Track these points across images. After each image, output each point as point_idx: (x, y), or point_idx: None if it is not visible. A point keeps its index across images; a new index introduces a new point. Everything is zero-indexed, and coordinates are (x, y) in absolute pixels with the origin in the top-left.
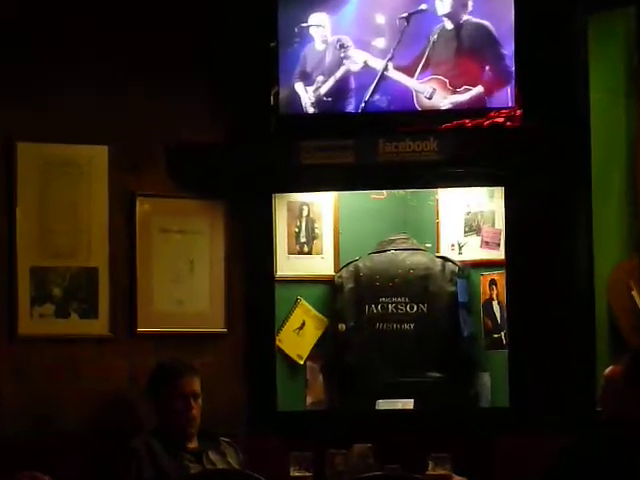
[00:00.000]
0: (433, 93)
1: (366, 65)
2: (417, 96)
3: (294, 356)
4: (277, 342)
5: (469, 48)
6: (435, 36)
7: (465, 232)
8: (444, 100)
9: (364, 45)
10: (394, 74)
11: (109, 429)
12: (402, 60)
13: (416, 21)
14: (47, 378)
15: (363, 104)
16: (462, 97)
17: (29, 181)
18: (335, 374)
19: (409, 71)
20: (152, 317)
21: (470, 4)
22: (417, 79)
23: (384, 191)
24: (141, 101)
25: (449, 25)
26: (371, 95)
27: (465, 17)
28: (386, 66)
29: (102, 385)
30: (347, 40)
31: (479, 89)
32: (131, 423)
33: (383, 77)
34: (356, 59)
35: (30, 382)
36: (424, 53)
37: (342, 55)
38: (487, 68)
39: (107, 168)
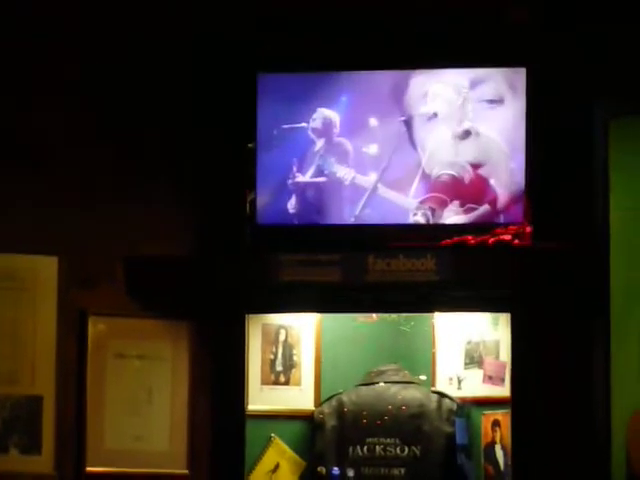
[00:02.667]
0: (431, 215)
1: (353, 182)
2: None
3: None
4: None
5: (473, 161)
6: (434, 145)
7: (465, 364)
8: (446, 211)
9: (354, 152)
10: (386, 193)
11: None
12: (395, 174)
13: (415, 127)
14: None
15: (352, 217)
16: (465, 217)
17: None
18: None
19: (403, 188)
20: (103, 455)
21: (472, 110)
22: (412, 197)
23: (373, 315)
24: (97, 207)
25: (449, 133)
26: (361, 209)
27: (467, 125)
28: (376, 184)
29: None
30: (336, 147)
31: (485, 208)
32: None
33: (373, 194)
34: (344, 174)
35: None
36: (420, 166)
37: (330, 163)
38: (494, 182)
39: (56, 282)
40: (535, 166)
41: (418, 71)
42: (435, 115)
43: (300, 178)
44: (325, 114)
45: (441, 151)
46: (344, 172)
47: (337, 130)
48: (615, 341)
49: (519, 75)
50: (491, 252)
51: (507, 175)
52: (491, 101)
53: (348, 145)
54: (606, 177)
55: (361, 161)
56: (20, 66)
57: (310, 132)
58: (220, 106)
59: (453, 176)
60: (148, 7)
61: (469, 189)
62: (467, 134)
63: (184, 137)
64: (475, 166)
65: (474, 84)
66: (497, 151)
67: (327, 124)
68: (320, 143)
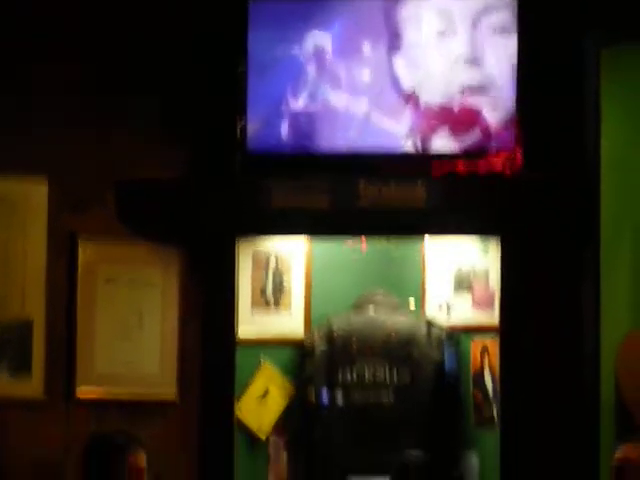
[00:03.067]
0: (423, 142)
1: (347, 109)
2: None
3: (255, 429)
4: (236, 412)
5: (465, 88)
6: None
7: (455, 291)
8: (437, 137)
9: (347, 79)
10: (378, 120)
11: None
12: (387, 101)
13: (406, 53)
14: None
15: (343, 144)
16: (457, 144)
17: None
18: (302, 451)
19: (395, 115)
20: (93, 380)
21: (465, 39)
22: (404, 124)
23: (363, 241)
24: (86, 131)
25: (441, 60)
26: (353, 136)
27: (458, 52)
28: (369, 111)
29: (32, 456)
30: (329, 73)
31: (476, 134)
32: None
33: (366, 121)
34: (336, 100)
35: None
36: (412, 93)
37: (322, 89)
38: (485, 109)
39: (46, 206)
40: (527, 94)
41: None
42: (427, 41)
43: (292, 104)
44: (317, 40)
45: (433, 78)
46: (336, 98)
47: (329, 56)
48: (605, 269)
49: (512, 5)
50: (481, 180)
51: (499, 102)
52: (488, 29)
53: (340, 71)
54: (597, 106)
55: (353, 87)
56: None
57: (302, 58)
58: (211, 32)
59: (445, 103)
60: None
61: (460, 116)
62: (458, 61)
63: (176, 61)
64: (467, 93)
65: (464, 11)
66: (489, 78)
67: (319, 50)
68: (312, 69)
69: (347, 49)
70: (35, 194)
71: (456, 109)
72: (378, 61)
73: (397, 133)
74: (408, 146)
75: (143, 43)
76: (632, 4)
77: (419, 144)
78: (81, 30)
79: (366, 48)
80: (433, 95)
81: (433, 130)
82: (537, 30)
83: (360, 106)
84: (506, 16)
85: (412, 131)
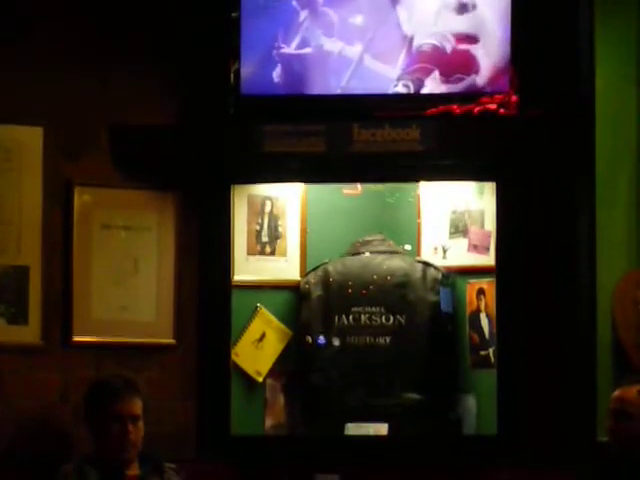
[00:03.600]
0: (417, 86)
1: (340, 53)
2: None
3: (252, 372)
4: (233, 356)
5: (459, 30)
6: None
7: (450, 234)
8: (431, 79)
9: (340, 23)
10: (371, 63)
11: (36, 453)
12: (381, 44)
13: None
14: None
15: (337, 88)
16: (451, 87)
17: None
18: (299, 394)
19: (388, 58)
20: (90, 325)
21: None
22: (398, 68)
23: (358, 185)
24: (81, 76)
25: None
26: (347, 80)
27: None
28: (362, 55)
29: (30, 402)
30: (322, 18)
31: (472, 77)
32: (62, 447)
33: (360, 65)
34: (329, 45)
35: None
36: (406, 37)
37: (315, 34)
38: (479, 52)
39: (41, 152)
40: (521, 36)
41: None
42: None
43: (285, 49)
44: None
45: (427, 21)
46: (329, 43)
47: (322, 0)
48: (600, 209)
49: None
50: (476, 121)
51: (493, 45)
52: None
53: (333, 15)
54: (591, 46)
55: (346, 32)
56: None
57: (295, 2)
58: None
59: (438, 46)
60: None
61: (455, 59)
62: (451, 3)
63: (172, 6)
64: (461, 36)
65: None
66: (483, 20)
67: None
68: (305, 13)
69: None
70: (30, 141)
71: (449, 53)
72: (378, 5)
73: (391, 76)
74: (402, 89)
75: None
76: None
77: (413, 88)
78: None
79: None
80: (427, 38)
81: (427, 74)
82: None
83: (354, 50)
84: None
85: (407, 74)
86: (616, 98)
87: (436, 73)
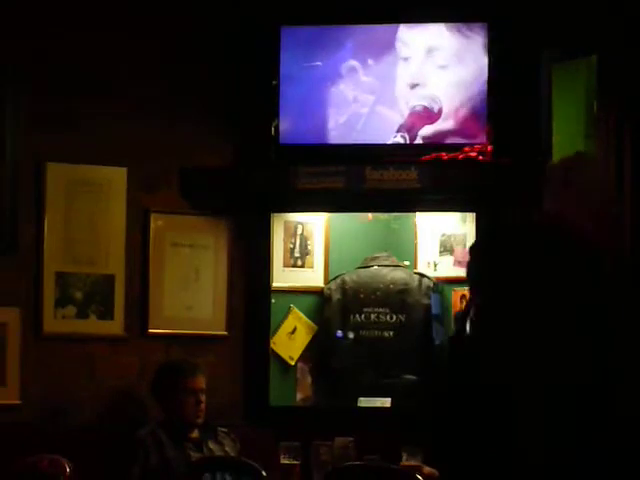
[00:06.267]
0: (413, 138)
1: (355, 101)
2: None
3: (286, 357)
4: (271, 345)
5: (447, 94)
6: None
7: (440, 252)
8: (423, 132)
9: (354, 82)
10: (378, 118)
11: (120, 420)
12: (387, 102)
13: (400, 66)
14: (66, 372)
15: (353, 137)
16: (441, 139)
17: (56, 197)
18: (322, 374)
19: (393, 114)
20: (162, 320)
21: (441, 54)
22: (399, 121)
23: (369, 214)
24: (159, 128)
25: (429, 72)
26: (360, 129)
27: (441, 66)
28: (373, 108)
29: (115, 381)
30: (343, 80)
31: (457, 132)
32: (139, 415)
33: (371, 114)
34: (346, 95)
35: (51, 375)
36: (404, 97)
37: (337, 94)
38: (463, 110)
39: (125, 187)
40: (496, 100)
41: (404, 25)
42: (417, 58)
43: (315, 107)
44: (336, 55)
45: (424, 86)
46: (348, 103)
47: (345, 69)
48: None
49: (483, 29)
50: (460, 166)
51: (474, 107)
52: (457, 53)
53: (350, 83)
54: (550, 108)
55: (361, 92)
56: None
57: (324, 70)
58: (255, 50)
59: (428, 108)
60: None
61: (442, 117)
62: (441, 75)
63: (228, 74)
64: (447, 99)
65: (442, 36)
66: (465, 87)
67: (336, 63)
68: (331, 79)
69: (357, 63)
70: (117, 178)
71: (437, 112)
72: (381, 72)
73: (394, 128)
74: (400, 140)
75: (206, 63)
76: (576, 31)
77: (409, 139)
78: (153, 51)
79: (371, 62)
80: (421, 101)
81: (420, 128)
82: (504, 49)
83: (366, 104)
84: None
85: (404, 128)
86: (569, 149)
87: (428, 128)
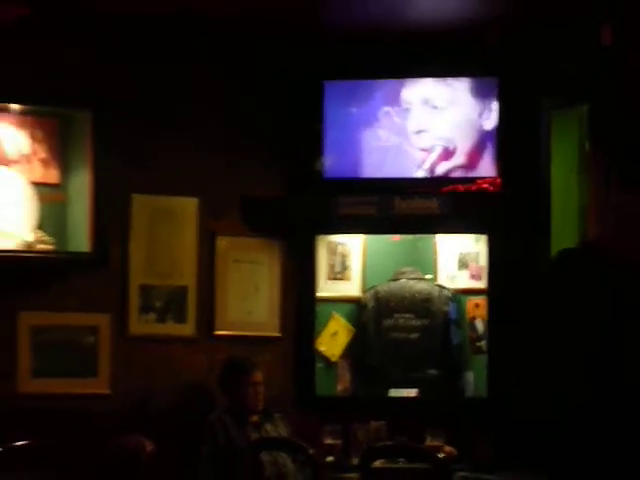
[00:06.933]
0: (433, 172)
1: (387, 141)
2: (423, 165)
3: (329, 355)
4: (317, 345)
5: (462, 136)
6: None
7: (457, 267)
8: (442, 167)
9: (384, 126)
10: (405, 154)
11: (192, 408)
12: (413, 141)
13: (422, 113)
14: (148, 368)
15: (383, 172)
16: (457, 173)
17: (140, 222)
18: (359, 369)
19: (416, 151)
20: (226, 324)
21: (460, 104)
22: (424, 151)
23: (398, 235)
24: (224, 166)
25: (445, 118)
26: (389, 166)
27: (456, 114)
28: (400, 146)
29: (188, 375)
30: (374, 128)
31: (471, 167)
32: (208, 403)
33: (398, 152)
34: (379, 144)
35: (136, 371)
36: (425, 136)
37: (367, 136)
38: (476, 147)
39: (196, 215)
40: (504, 141)
41: (421, 79)
42: (435, 107)
43: (353, 147)
44: (369, 104)
45: (440, 130)
46: (380, 141)
47: (375, 116)
48: (553, 251)
49: (493, 82)
50: (474, 196)
51: (486, 147)
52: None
53: (381, 127)
54: (549, 148)
55: (389, 134)
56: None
57: (359, 116)
58: (301, 102)
59: (447, 147)
60: (266, 42)
61: (459, 155)
62: (455, 118)
63: (281, 120)
64: (462, 140)
65: (460, 88)
66: (477, 130)
67: (368, 110)
68: (364, 124)
69: (390, 109)
70: (189, 207)
71: (453, 151)
72: (401, 118)
73: (417, 163)
74: (424, 173)
75: (259, 111)
76: (573, 82)
77: (429, 172)
78: (232, 100)
79: (397, 109)
80: (440, 142)
81: (439, 163)
82: (510, 98)
83: (395, 142)
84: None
85: (427, 162)
86: (566, 183)
87: (446, 163)
